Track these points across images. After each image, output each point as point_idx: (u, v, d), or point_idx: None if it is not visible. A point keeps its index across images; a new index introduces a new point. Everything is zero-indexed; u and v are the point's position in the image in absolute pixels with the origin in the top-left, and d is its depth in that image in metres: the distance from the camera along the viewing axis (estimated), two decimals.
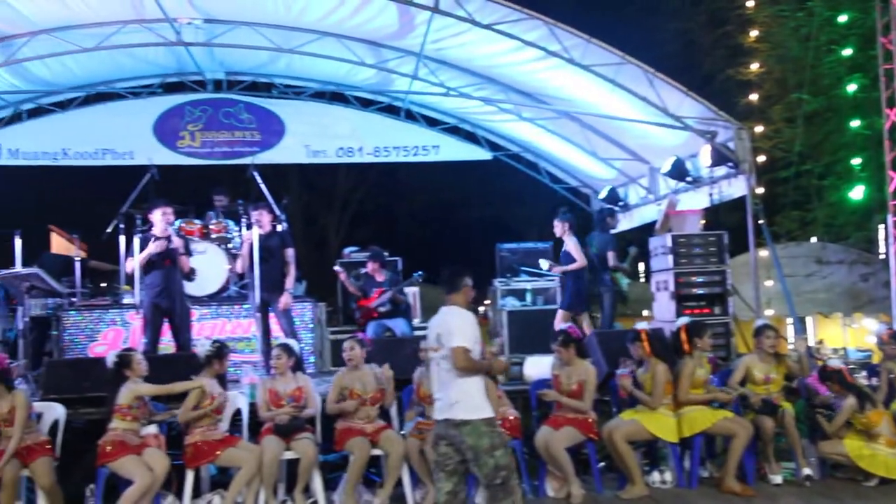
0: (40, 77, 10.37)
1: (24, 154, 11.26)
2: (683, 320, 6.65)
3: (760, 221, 8.74)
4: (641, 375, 6.33)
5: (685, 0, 17.40)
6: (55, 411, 6.20)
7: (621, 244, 9.62)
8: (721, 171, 8.88)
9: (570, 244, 8.64)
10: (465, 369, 4.46)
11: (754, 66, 13.91)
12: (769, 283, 9.73)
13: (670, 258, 8.45)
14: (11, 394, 5.77)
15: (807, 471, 6.22)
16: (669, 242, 8.49)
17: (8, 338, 8.89)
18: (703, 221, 9.06)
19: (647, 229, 10.32)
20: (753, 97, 13.68)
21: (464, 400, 4.48)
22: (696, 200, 9.47)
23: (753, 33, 14.15)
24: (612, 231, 9.60)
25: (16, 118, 11.30)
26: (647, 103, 8.50)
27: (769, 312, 8.67)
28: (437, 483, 4.65)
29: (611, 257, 9.08)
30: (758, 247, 8.93)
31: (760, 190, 9.16)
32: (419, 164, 12.36)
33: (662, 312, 8.65)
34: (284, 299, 7.98)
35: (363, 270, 9.64)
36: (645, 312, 16.02)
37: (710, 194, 9.08)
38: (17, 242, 8.45)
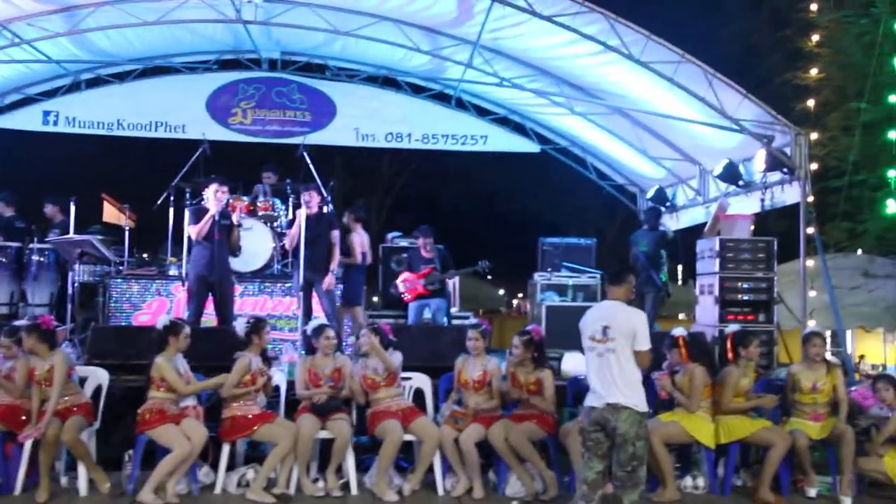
0: (101, 48, 10.55)
1: (81, 123, 11.50)
2: (732, 328, 6.57)
3: (811, 230, 8.58)
4: (679, 379, 6.27)
5: (746, 1, 17.10)
6: (99, 376, 6.35)
7: None
8: (775, 176, 8.73)
9: (355, 238, 8.76)
10: (643, 368, 4.97)
11: (814, 72, 13.61)
12: (812, 293, 9.55)
13: (717, 262, 8.33)
14: (53, 353, 5.92)
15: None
16: (717, 246, 8.38)
17: (55, 302, 9.09)
18: (753, 227, 8.90)
19: (694, 231, 10.19)
20: (810, 103, 13.39)
21: (628, 390, 4.86)
22: (746, 205, 9.32)
23: (815, 38, 13.83)
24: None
25: (74, 87, 11.53)
26: (703, 103, 8.38)
27: (812, 323, 8.51)
28: (588, 463, 4.97)
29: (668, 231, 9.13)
30: (806, 255, 8.76)
31: (812, 198, 8.98)
32: (463, 152, 12.35)
33: (705, 316, 8.55)
34: (328, 280, 8.04)
35: (405, 255, 9.66)
36: (681, 315, 15.86)
37: (762, 199, 8.93)
38: (72, 209, 8.62)
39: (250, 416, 5.94)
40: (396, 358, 6.37)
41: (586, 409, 5.03)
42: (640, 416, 4.87)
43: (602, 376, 4.93)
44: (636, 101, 9.55)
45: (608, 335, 4.94)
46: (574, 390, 6.70)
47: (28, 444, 5.74)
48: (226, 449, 5.94)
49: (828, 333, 7.12)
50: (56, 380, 5.80)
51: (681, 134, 9.97)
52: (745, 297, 8.32)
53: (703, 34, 15.38)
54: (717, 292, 8.31)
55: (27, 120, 11.48)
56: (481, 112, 12.03)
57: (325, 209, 8.62)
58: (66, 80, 11.43)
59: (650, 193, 11.25)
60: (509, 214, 22.78)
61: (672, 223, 11.35)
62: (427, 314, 9.02)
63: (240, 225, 7.96)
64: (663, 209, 11.00)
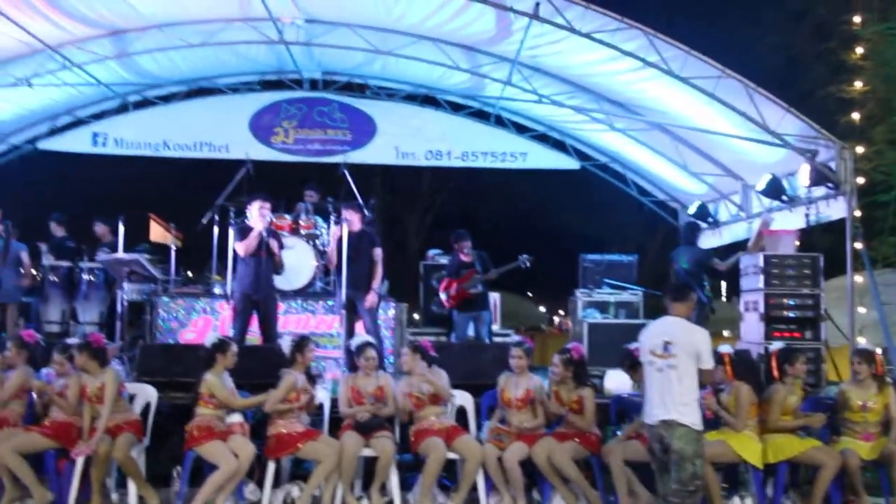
0: (148, 70, 10.82)
1: (129, 144, 11.77)
2: (777, 346, 6.48)
3: (858, 246, 8.43)
4: (724, 398, 6.19)
5: (787, 13, 16.92)
6: (147, 393, 6.46)
7: None
8: (819, 191, 8.60)
9: None
10: (706, 385, 5.14)
11: (858, 84, 13.40)
12: (861, 310, 9.37)
13: (761, 278, 8.22)
14: (103, 371, 6.05)
15: None
16: (761, 262, 8.27)
17: (104, 320, 9.28)
18: (797, 242, 8.77)
19: (737, 247, 10.07)
20: (855, 116, 13.18)
21: (684, 408, 4.90)
22: (791, 220, 9.19)
23: (859, 50, 13.63)
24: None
25: (122, 109, 11.82)
26: (745, 118, 8.30)
27: (861, 340, 8.34)
28: (662, 479, 5.06)
29: (717, 264, 8.97)
30: (853, 271, 8.60)
31: (858, 213, 8.83)
32: (503, 169, 12.37)
33: (750, 333, 8.43)
34: (371, 298, 8.06)
35: (444, 273, 9.69)
36: (726, 333, 15.62)
37: (807, 215, 8.80)
38: (120, 228, 8.81)
39: (295, 434, 6.00)
40: (442, 377, 6.38)
41: (644, 426, 5.12)
42: (697, 434, 4.89)
43: (660, 392, 4.99)
44: (676, 116, 9.50)
45: (669, 351, 4.97)
46: (617, 408, 6.66)
47: (80, 461, 5.86)
48: (271, 466, 6.01)
49: (879, 351, 6.97)
50: (107, 397, 5.91)
51: (722, 149, 9.89)
52: (791, 314, 8.19)
53: (744, 47, 15.26)
54: (762, 309, 8.19)
55: (77, 142, 11.79)
56: (521, 129, 12.05)
57: (366, 227, 8.69)
58: (115, 103, 11.73)
59: (692, 209, 11.14)
60: (549, 231, 22.68)
61: (715, 239, 11.23)
62: (471, 331, 9.03)
63: (282, 246, 8.06)
64: (704, 224, 10.91)
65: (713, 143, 9.78)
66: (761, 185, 9.17)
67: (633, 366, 6.26)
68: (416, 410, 6.28)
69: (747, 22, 17.49)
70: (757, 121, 8.27)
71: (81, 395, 6.00)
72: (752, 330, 8.42)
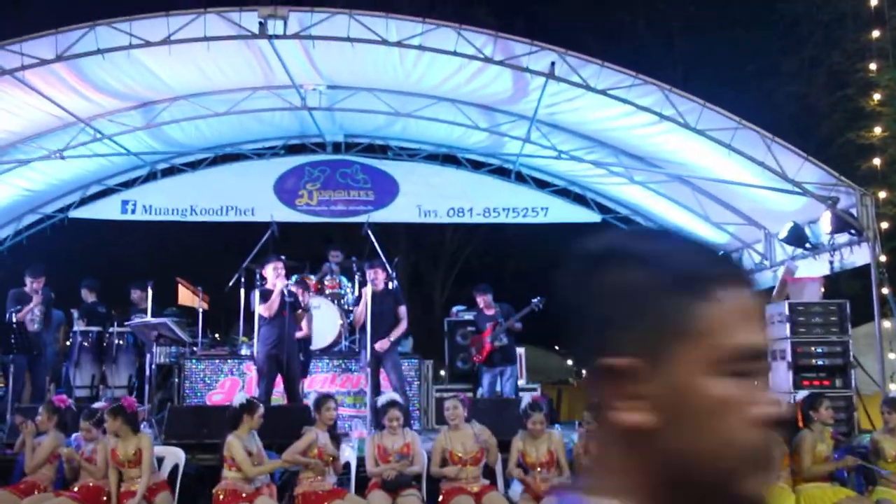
0: (175, 139, 11.13)
1: (157, 210, 12.01)
2: (801, 395, 6.42)
3: (885, 291, 8.36)
4: None
5: (803, 63, 17.06)
6: (176, 455, 6.50)
7: None
8: (843, 238, 8.58)
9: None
10: None
11: (878, 130, 13.43)
12: (892, 356, 9.24)
13: (787, 327, 8.17)
14: (138, 436, 6.10)
15: None
16: (787, 310, 8.22)
17: (133, 384, 9.40)
18: (823, 289, 8.72)
19: (762, 297, 10.01)
20: (876, 161, 13.18)
21: None
22: (815, 268, 9.15)
23: (876, 97, 13.70)
24: None
25: (151, 177, 12.11)
26: (763, 168, 8.36)
27: (893, 388, 8.21)
28: None
29: None
30: (882, 317, 8.51)
31: (883, 258, 8.78)
32: (527, 224, 12.45)
33: (779, 383, 8.34)
34: (382, 343, 8.10)
35: (470, 329, 9.72)
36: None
37: (831, 262, 8.76)
38: (149, 293, 8.97)
39: (322, 493, 5.98)
40: (486, 432, 6.35)
41: None
42: None
43: None
44: (695, 167, 9.58)
45: None
46: None
47: None
48: None
49: None
50: (146, 461, 5.98)
51: (742, 198, 9.92)
52: (820, 362, 8.12)
53: (760, 97, 15.38)
54: (789, 358, 8.12)
55: (107, 209, 12.07)
56: (541, 184, 12.18)
57: (390, 285, 8.78)
58: (143, 171, 12.03)
59: None
60: None
61: None
62: (498, 386, 9.01)
63: (308, 309, 8.15)
64: None
65: (733, 192, 9.81)
66: (783, 234, 9.17)
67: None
68: (455, 469, 6.20)
69: (763, 72, 17.64)
70: (775, 170, 8.32)
71: (112, 459, 6.05)
72: (780, 379, 8.33)
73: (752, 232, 10.61)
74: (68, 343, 9.66)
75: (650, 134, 9.20)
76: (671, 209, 11.37)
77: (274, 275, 7.90)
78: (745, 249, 11.05)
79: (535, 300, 8.97)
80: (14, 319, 8.83)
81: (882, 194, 11.68)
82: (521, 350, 10.45)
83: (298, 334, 8.16)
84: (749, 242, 10.86)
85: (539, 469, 6.20)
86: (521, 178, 12.11)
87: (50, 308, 9.17)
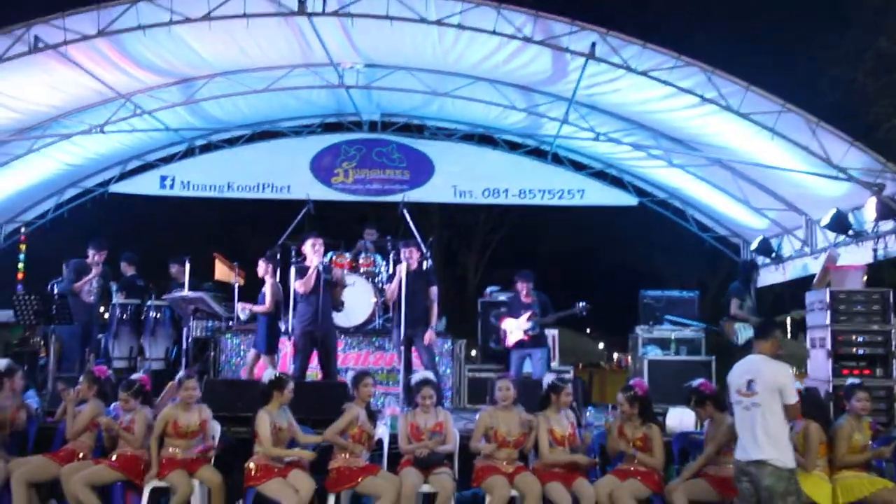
0: (213, 116, 11.21)
1: (195, 186, 12.14)
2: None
3: None
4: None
5: (850, 47, 16.68)
6: (213, 428, 6.58)
7: None
8: (887, 225, 8.38)
9: (268, 286, 8.66)
10: (793, 421, 5.15)
11: None
12: None
13: (828, 314, 8.03)
14: (199, 407, 6.31)
15: None
16: (828, 298, 8.08)
17: (170, 356, 9.54)
18: (865, 277, 8.54)
19: (801, 283, 9.85)
20: None
21: (774, 446, 4.98)
22: (858, 255, 8.95)
23: None
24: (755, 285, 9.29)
25: (189, 153, 12.24)
26: (807, 152, 8.18)
27: None
28: None
29: (733, 305, 8.93)
30: None
31: None
32: (562, 207, 12.36)
33: (818, 371, 8.21)
34: (429, 335, 8.16)
35: (503, 309, 9.69)
36: (792, 370, 15.20)
37: (874, 249, 8.57)
38: (187, 267, 9.07)
39: (355, 469, 6.04)
40: (534, 420, 6.32)
41: (734, 462, 5.20)
42: (787, 472, 4.94)
43: (750, 431, 5.06)
44: (736, 151, 9.41)
45: (753, 389, 5.07)
46: (680, 446, 6.54)
47: (146, 492, 6.00)
48: (331, 500, 6.04)
49: None
50: (208, 431, 6.24)
51: (784, 183, 9.74)
52: (861, 351, 7.96)
53: (804, 82, 15.07)
54: (829, 346, 7.98)
55: (146, 184, 12.23)
56: (578, 166, 12.07)
57: (424, 265, 8.78)
58: (182, 147, 12.15)
59: (754, 245, 10.96)
60: (608, 267, 22.55)
61: (778, 275, 11.02)
62: (528, 367, 8.96)
63: (345, 285, 8.19)
64: (769, 259, 10.76)
65: (775, 177, 9.63)
66: (826, 220, 8.98)
67: (700, 403, 6.17)
68: (496, 449, 6.19)
69: (808, 56, 17.29)
70: (820, 155, 8.14)
71: (173, 429, 6.17)
72: (819, 367, 8.20)
73: (792, 218, 10.41)
74: (106, 315, 9.82)
75: (691, 116, 9.05)
76: (710, 193, 11.21)
77: (312, 251, 7.94)
78: (785, 235, 10.87)
79: (580, 305, 8.87)
80: (56, 291, 9.01)
81: None
82: (554, 332, 10.41)
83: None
84: (790, 228, 10.67)
85: (566, 445, 6.21)
86: (557, 160, 12.03)
87: (107, 281, 9.35)
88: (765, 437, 4.98)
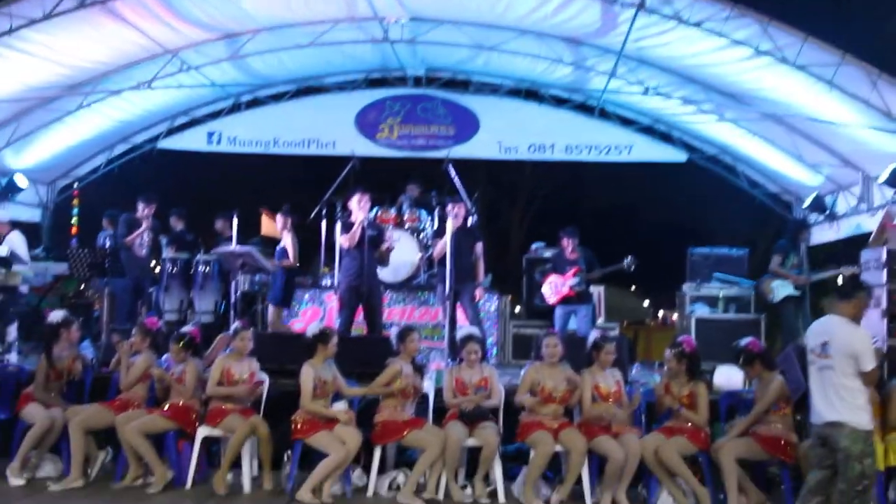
0: (258, 71, 11.21)
1: (241, 142, 12.22)
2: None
3: None
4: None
5: None
6: (261, 379, 6.70)
7: None
8: None
9: (288, 240, 8.57)
10: (869, 386, 4.93)
11: None
12: None
13: (884, 273, 7.82)
14: (250, 359, 6.48)
15: None
16: (884, 256, 7.86)
17: (219, 310, 9.70)
18: None
19: (857, 241, 9.60)
20: None
21: (850, 408, 4.83)
22: None
23: None
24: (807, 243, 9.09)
25: (235, 108, 12.30)
26: (867, 105, 7.90)
27: None
28: (811, 474, 5.09)
29: (774, 261, 8.78)
30: None
31: None
32: (608, 162, 12.18)
33: (872, 331, 8.00)
34: (478, 292, 8.22)
35: (548, 265, 9.63)
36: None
37: None
38: (234, 222, 9.17)
39: (401, 422, 6.12)
40: (578, 378, 6.34)
41: (811, 425, 5.13)
42: (864, 434, 4.82)
43: (823, 392, 4.96)
44: (791, 105, 9.12)
45: (826, 351, 4.93)
46: (727, 405, 6.49)
47: (198, 442, 6.16)
48: (377, 452, 6.14)
49: None
50: (254, 380, 6.42)
51: (841, 138, 9.43)
52: None
53: (864, 32, 14.49)
54: (884, 305, 7.79)
55: (193, 140, 12.34)
56: (625, 122, 11.84)
57: (469, 221, 8.75)
58: (228, 103, 12.20)
59: (807, 202, 10.68)
60: (655, 224, 22.20)
61: (832, 233, 10.74)
62: (573, 323, 8.92)
63: (390, 249, 8.19)
64: (822, 216, 10.52)
65: (831, 132, 9.33)
66: (885, 176, 8.69)
67: (748, 362, 6.09)
68: (541, 404, 6.23)
69: (868, 5, 16.58)
70: (880, 108, 7.86)
71: (226, 378, 6.32)
72: (873, 327, 8.00)
73: (849, 174, 10.11)
74: (157, 270, 10.00)
75: (745, 69, 8.77)
76: (763, 149, 10.93)
77: (357, 206, 7.96)
78: (840, 192, 10.57)
79: (627, 260, 8.74)
80: (108, 245, 9.19)
81: None
82: (599, 289, 10.34)
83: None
84: (845, 185, 10.37)
85: (611, 401, 6.21)
86: (604, 115, 11.81)
87: (158, 235, 9.52)
88: (837, 399, 4.84)
